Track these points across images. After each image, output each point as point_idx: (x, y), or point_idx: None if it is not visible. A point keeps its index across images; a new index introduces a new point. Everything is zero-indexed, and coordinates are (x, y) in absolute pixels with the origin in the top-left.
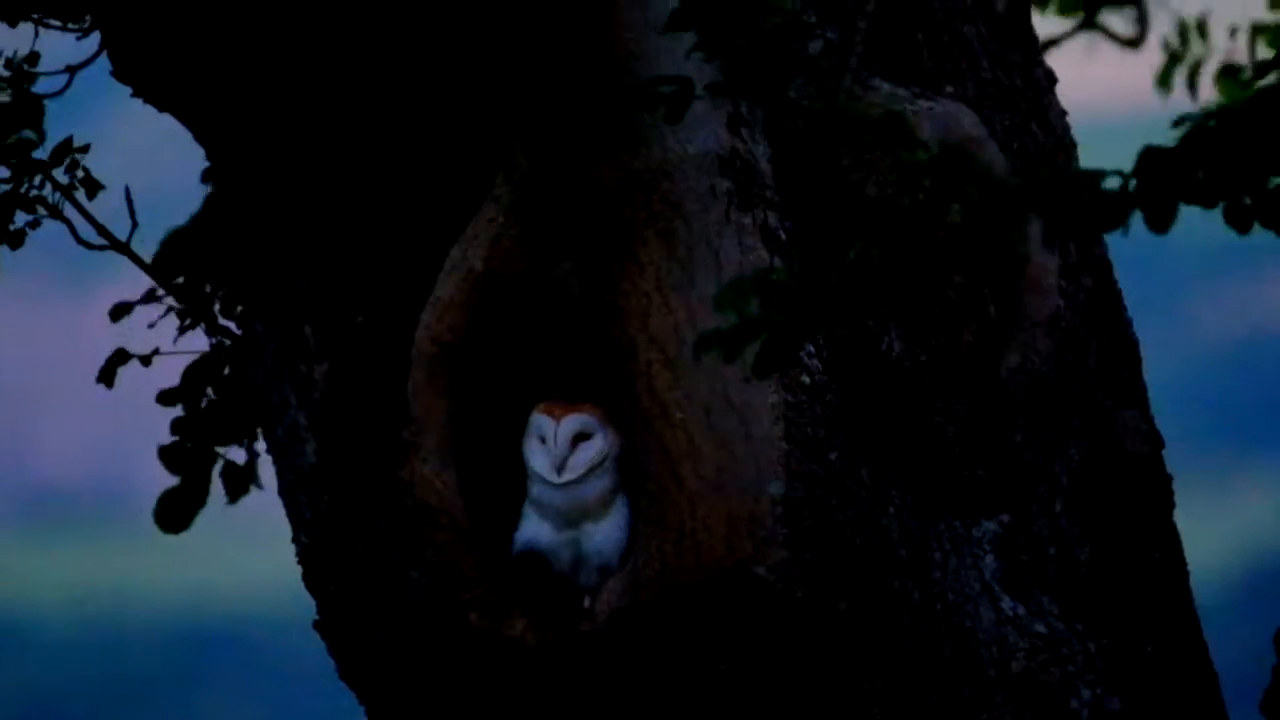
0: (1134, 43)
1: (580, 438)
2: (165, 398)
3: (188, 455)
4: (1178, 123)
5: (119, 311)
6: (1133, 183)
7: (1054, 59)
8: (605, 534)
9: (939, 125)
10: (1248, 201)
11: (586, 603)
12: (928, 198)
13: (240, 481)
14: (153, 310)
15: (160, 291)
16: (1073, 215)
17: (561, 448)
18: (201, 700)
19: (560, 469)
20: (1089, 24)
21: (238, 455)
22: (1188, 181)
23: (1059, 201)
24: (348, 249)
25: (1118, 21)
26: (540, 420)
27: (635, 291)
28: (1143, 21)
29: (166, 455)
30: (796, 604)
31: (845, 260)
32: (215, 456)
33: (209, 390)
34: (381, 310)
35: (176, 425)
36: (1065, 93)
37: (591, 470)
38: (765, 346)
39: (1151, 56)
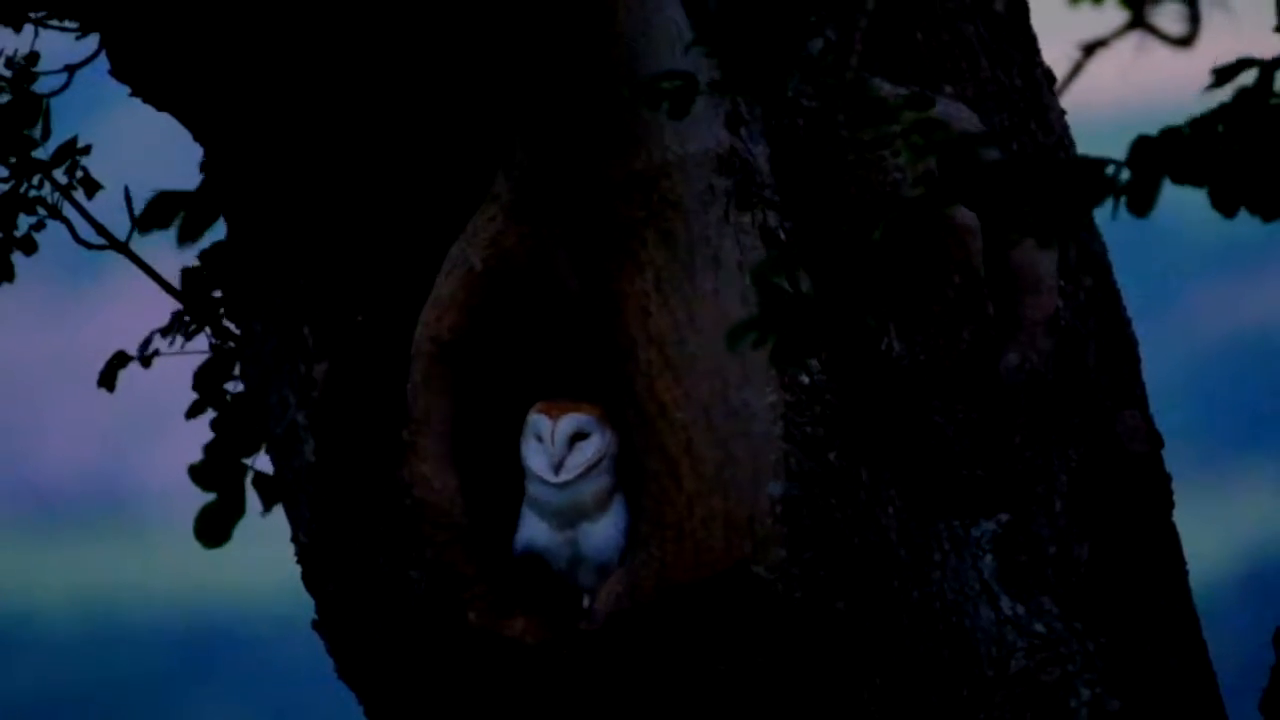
0: (1185, 42)
1: (578, 437)
2: (193, 411)
3: (218, 471)
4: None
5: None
6: (1124, 172)
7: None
8: (603, 534)
9: None
10: (1236, 185)
11: (586, 603)
12: (936, 188)
13: (273, 490)
14: (161, 315)
15: (188, 321)
16: (1061, 192)
17: (559, 447)
18: (201, 700)
19: (557, 469)
20: (1138, 23)
21: (265, 464)
22: (1178, 166)
23: (1050, 179)
24: (347, 249)
25: (1167, 20)
26: (538, 420)
27: (635, 291)
28: (1195, 20)
29: (198, 473)
30: (796, 604)
31: (863, 247)
32: (245, 469)
33: (226, 391)
34: (381, 310)
35: (209, 444)
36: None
37: (589, 470)
38: (783, 338)
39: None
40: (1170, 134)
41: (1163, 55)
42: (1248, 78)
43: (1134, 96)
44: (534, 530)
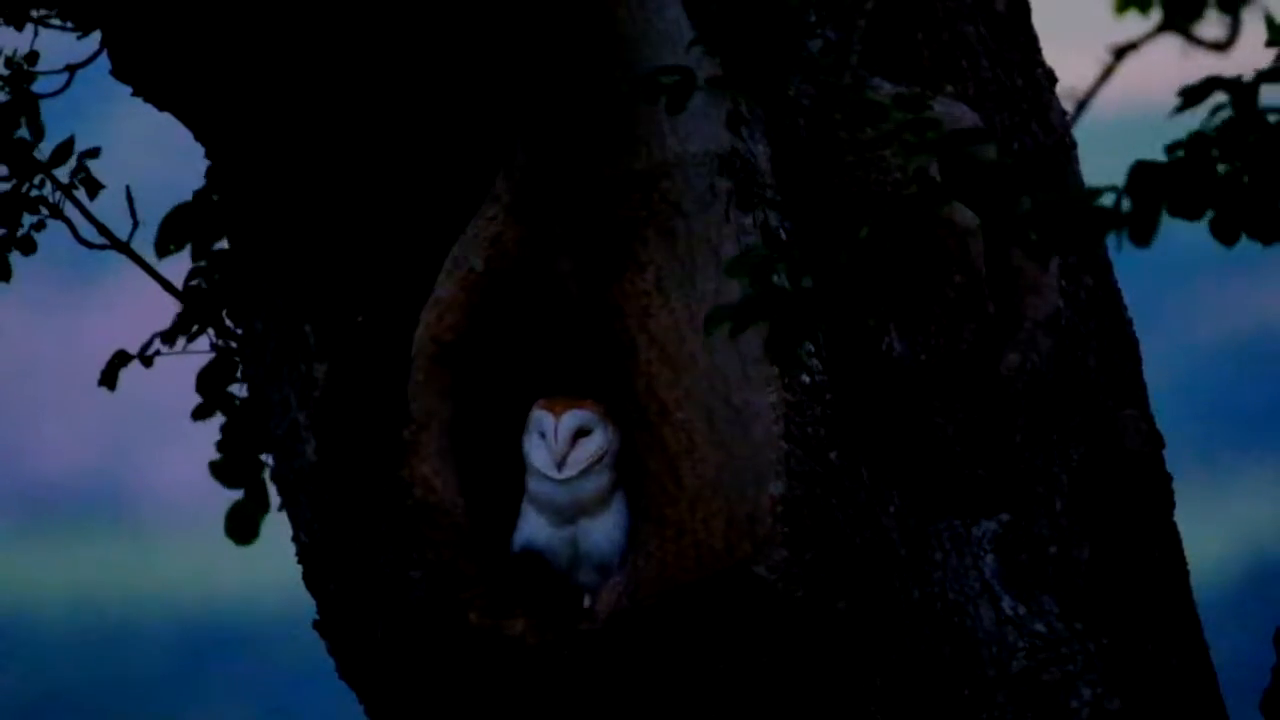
0: (1223, 46)
1: (581, 433)
2: (199, 413)
3: (238, 468)
4: (1171, 149)
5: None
6: (1126, 201)
7: (1061, 56)
8: (603, 531)
9: None
10: (1233, 213)
11: (586, 602)
12: (930, 186)
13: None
14: (161, 315)
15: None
16: (1064, 233)
17: (561, 443)
18: (201, 700)
19: (561, 464)
20: (1169, 26)
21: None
22: (1176, 196)
23: (1053, 220)
24: (347, 249)
25: (1204, 24)
26: (540, 416)
27: (635, 291)
28: (1235, 26)
29: (219, 470)
30: (796, 604)
31: (852, 243)
32: (262, 464)
33: (233, 391)
34: (381, 310)
35: (222, 443)
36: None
37: (592, 466)
38: (772, 334)
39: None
40: (1168, 162)
41: (1161, 55)
42: (1219, 97)
43: (1135, 95)
44: (534, 528)
